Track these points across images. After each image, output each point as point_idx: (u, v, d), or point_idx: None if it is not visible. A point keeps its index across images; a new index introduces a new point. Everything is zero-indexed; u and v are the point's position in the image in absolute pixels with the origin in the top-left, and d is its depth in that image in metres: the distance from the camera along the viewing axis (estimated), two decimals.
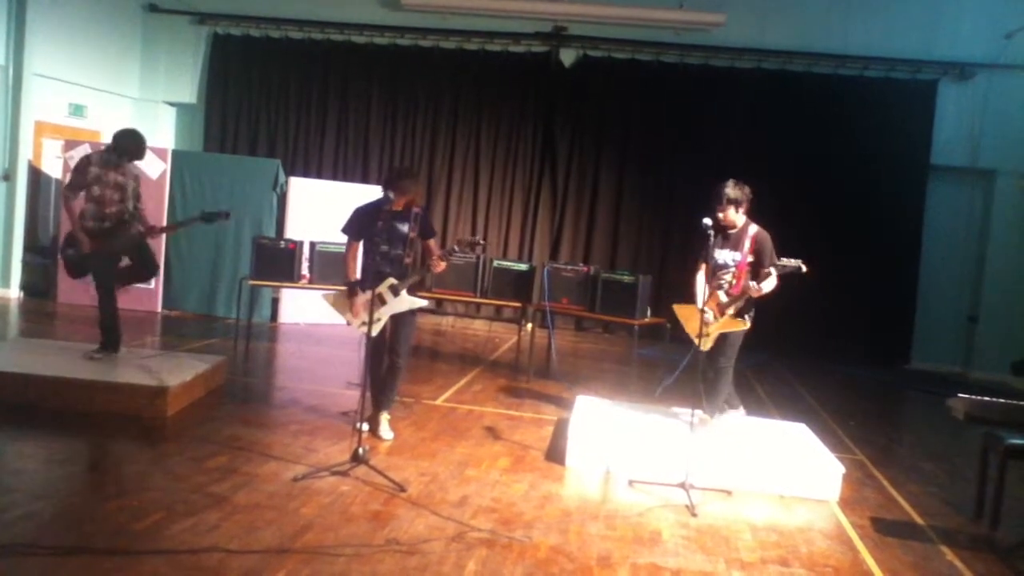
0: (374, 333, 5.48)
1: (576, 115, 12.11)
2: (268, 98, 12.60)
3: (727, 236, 5.93)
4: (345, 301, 5.80)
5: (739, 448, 5.60)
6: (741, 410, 6.30)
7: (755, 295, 5.62)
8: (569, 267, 8.48)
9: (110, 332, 6.44)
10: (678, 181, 11.89)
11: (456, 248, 5.80)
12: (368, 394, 5.71)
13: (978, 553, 4.61)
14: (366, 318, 5.46)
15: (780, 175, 11.21)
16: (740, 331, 5.84)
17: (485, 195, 12.28)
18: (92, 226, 6.26)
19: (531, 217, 12.26)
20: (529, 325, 8.97)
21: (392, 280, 5.64)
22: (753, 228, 5.86)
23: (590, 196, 12.12)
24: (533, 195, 12.25)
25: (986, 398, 4.85)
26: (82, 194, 6.29)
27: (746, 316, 5.81)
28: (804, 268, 5.50)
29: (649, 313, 8.03)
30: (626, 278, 7.93)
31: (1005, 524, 4.93)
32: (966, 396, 4.88)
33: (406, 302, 5.69)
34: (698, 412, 6.09)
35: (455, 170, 12.31)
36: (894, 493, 5.62)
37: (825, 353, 11.03)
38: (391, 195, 5.43)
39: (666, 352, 8.56)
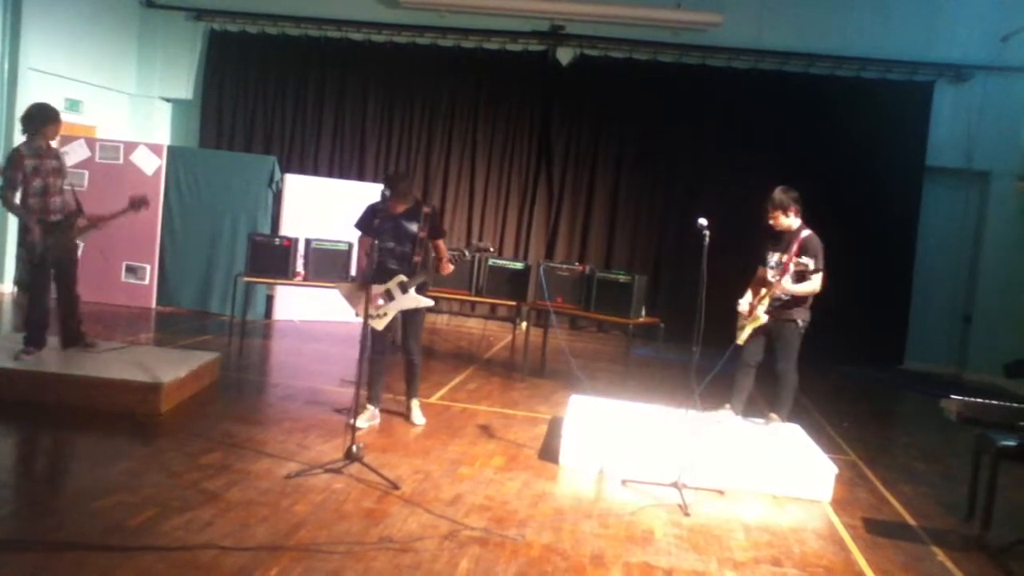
0: (380, 327, 5.74)
1: (573, 114, 12.10)
2: (264, 95, 12.58)
3: (781, 239, 6.19)
4: (358, 293, 5.79)
5: (732, 448, 5.61)
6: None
7: (779, 291, 5.95)
8: (564, 266, 8.49)
9: (37, 328, 6.23)
10: (674, 181, 11.90)
11: (467, 252, 6.05)
12: (365, 387, 5.88)
13: (969, 554, 4.62)
14: (373, 312, 5.65)
15: (776, 175, 11.11)
16: (791, 332, 6.06)
17: (481, 193, 12.28)
18: (41, 220, 6.07)
19: (527, 215, 12.26)
20: (524, 324, 8.97)
21: (402, 277, 5.77)
22: (805, 232, 6.12)
23: (586, 195, 12.12)
24: (529, 193, 12.24)
25: (979, 399, 4.86)
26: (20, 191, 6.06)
27: (799, 321, 6.08)
28: (812, 266, 5.88)
29: (644, 312, 8.04)
30: (621, 277, 7.94)
31: (997, 525, 4.94)
32: (959, 397, 4.89)
33: (413, 300, 5.81)
34: (736, 413, 6.22)
35: (451, 168, 12.31)
36: (886, 494, 5.64)
37: (819, 353, 10.98)
38: (387, 193, 5.46)
39: (661, 352, 8.57)
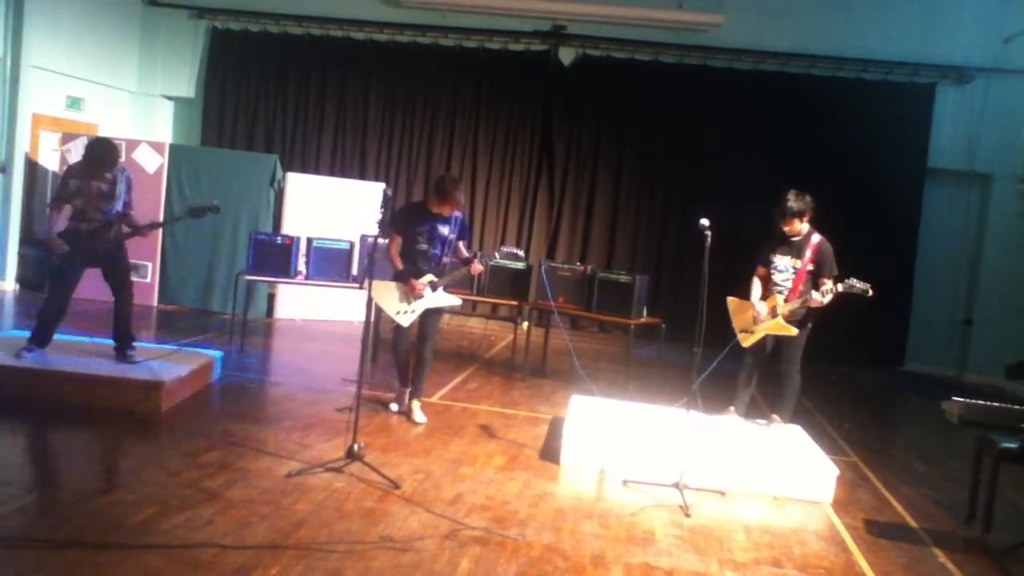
0: (406, 324, 6.02)
1: (574, 114, 12.11)
2: (266, 93, 12.58)
3: (790, 244, 6.11)
4: (390, 291, 6.05)
5: (733, 449, 5.61)
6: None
7: (814, 306, 5.83)
8: (566, 266, 8.49)
9: (42, 326, 6.21)
10: (675, 181, 11.90)
11: (497, 256, 6.41)
12: (396, 376, 6.42)
13: (970, 556, 4.62)
14: (406, 307, 5.98)
15: (777, 176, 11.15)
16: (800, 335, 5.99)
17: (483, 193, 12.28)
18: (70, 227, 6.11)
19: (528, 215, 12.27)
20: (525, 323, 8.97)
21: (432, 277, 6.02)
22: (816, 237, 6.06)
23: (587, 195, 12.12)
24: (531, 193, 12.25)
25: (980, 401, 4.85)
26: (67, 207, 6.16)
27: (808, 324, 6.02)
28: (871, 292, 5.61)
29: (645, 313, 8.04)
30: (623, 278, 7.94)
31: (997, 527, 4.94)
32: (960, 399, 4.88)
33: (443, 299, 6.09)
34: (740, 415, 6.21)
35: (453, 167, 12.29)
36: (887, 495, 5.63)
37: (820, 354, 10.99)
38: (388, 192, 5.46)
39: (662, 352, 8.57)
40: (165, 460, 4.81)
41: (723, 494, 5.19)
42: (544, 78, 12.12)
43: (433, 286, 6.00)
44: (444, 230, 6.05)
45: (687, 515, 4.77)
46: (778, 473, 5.36)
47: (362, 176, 12.03)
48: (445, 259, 6.11)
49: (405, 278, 6.01)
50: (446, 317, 12.03)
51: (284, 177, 10.75)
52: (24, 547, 3.51)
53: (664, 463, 5.27)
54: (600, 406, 6.45)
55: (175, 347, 7.12)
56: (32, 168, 11.10)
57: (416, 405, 6.27)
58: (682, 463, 5.12)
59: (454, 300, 6.21)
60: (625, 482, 5.23)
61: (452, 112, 12.33)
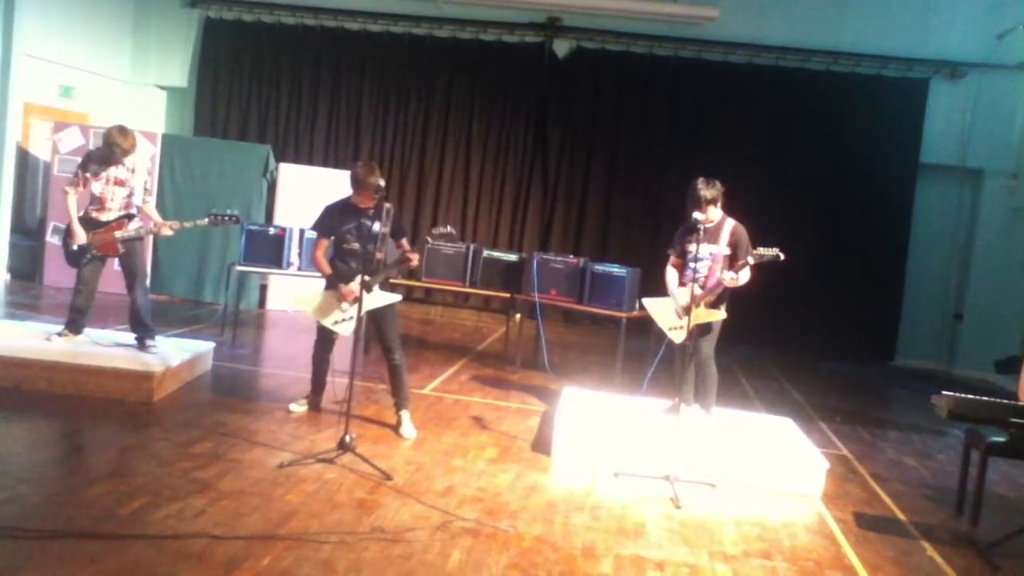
0: (347, 332, 5.52)
1: (569, 106, 12.10)
2: (260, 83, 12.54)
3: (704, 231, 5.84)
4: (321, 300, 5.65)
5: (724, 442, 5.63)
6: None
7: (731, 285, 5.68)
8: (558, 259, 8.49)
9: (75, 314, 6.34)
10: (669, 174, 11.90)
11: (429, 240, 5.80)
12: (314, 382, 5.93)
13: (958, 549, 4.66)
14: (338, 316, 5.54)
15: (770, 170, 11.30)
16: (718, 321, 5.87)
17: (476, 185, 12.28)
18: (93, 217, 6.19)
19: (522, 207, 12.27)
20: (517, 316, 8.98)
21: (365, 277, 5.47)
22: (730, 222, 5.92)
23: (581, 187, 12.13)
24: (524, 185, 12.25)
25: (969, 396, 4.88)
26: (81, 191, 6.24)
27: (721, 307, 5.86)
28: (782, 256, 5.53)
29: (638, 306, 8.04)
30: (616, 271, 7.95)
31: (985, 520, 4.98)
32: (950, 393, 4.90)
33: (378, 299, 5.56)
34: (689, 407, 6.14)
35: (446, 159, 12.30)
36: (877, 489, 5.67)
37: (811, 349, 11.08)
38: (382, 182, 5.40)
39: (654, 345, 8.57)
40: (157, 450, 4.80)
41: (714, 487, 5.21)
42: (539, 70, 12.10)
43: (367, 287, 5.37)
44: (376, 226, 5.53)
45: (678, 507, 4.79)
46: (769, 466, 5.37)
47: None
48: (379, 255, 5.52)
49: (334, 285, 5.57)
50: (438, 309, 12.06)
51: (277, 168, 10.72)
52: (15, 537, 3.50)
53: (655, 456, 5.29)
54: (591, 399, 6.46)
55: (167, 337, 7.10)
56: (23, 157, 11.03)
57: (406, 416, 5.77)
58: (673, 456, 5.14)
59: (394, 297, 5.69)
60: (616, 474, 5.25)
61: (446, 103, 12.31)
